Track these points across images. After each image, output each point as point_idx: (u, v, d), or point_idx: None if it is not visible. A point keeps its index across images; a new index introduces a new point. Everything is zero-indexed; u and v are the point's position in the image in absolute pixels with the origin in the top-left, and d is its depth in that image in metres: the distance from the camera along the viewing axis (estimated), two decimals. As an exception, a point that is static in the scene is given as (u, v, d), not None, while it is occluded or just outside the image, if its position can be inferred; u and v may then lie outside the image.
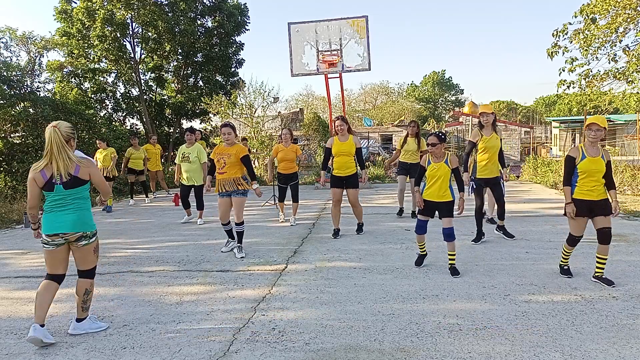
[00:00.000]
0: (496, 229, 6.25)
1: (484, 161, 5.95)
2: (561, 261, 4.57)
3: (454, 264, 4.71)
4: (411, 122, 8.11)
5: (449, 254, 4.73)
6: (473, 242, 5.99)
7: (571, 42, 10.91)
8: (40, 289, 3.42)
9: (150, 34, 19.76)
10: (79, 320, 3.57)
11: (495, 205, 6.34)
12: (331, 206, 6.62)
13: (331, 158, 6.55)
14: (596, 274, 4.29)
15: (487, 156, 5.93)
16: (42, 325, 3.33)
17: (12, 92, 12.79)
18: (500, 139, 6.06)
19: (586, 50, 10.79)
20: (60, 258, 3.46)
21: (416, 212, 5.26)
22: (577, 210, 4.21)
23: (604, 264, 4.24)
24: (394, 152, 8.43)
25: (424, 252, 5.04)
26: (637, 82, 10.93)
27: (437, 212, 4.80)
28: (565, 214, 4.33)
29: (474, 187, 6.11)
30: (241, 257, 5.61)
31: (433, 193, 4.72)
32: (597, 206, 4.18)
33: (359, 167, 6.60)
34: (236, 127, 6.11)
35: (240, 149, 5.64)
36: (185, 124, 23.38)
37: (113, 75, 20.78)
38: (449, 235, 4.64)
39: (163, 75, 21.81)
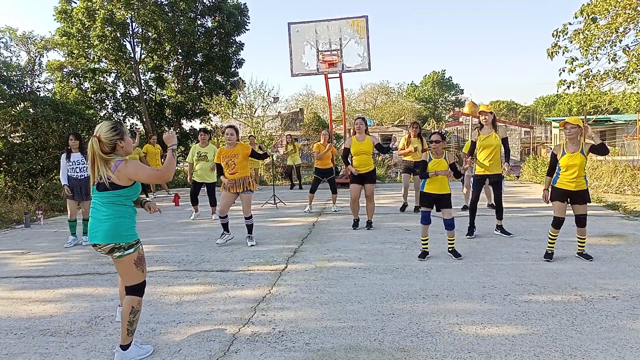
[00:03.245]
0: (495, 230, 6.37)
1: (482, 159, 6.14)
2: (548, 247, 5.06)
3: (454, 247, 5.30)
4: (413, 124, 8.50)
5: (449, 240, 5.30)
6: (467, 237, 6.23)
7: (571, 42, 10.90)
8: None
9: (150, 34, 19.74)
10: (124, 347, 3.03)
11: (492, 195, 6.57)
12: (350, 202, 7.13)
13: (350, 156, 7.04)
14: (578, 251, 5.05)
15: (485, 154, 6.11)
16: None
17: (12, 92, 12.76)
18: (505, 138, 6.16)
19: (586, 50, 10.78)
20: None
21: (419, 207, 5.58)
22: (558, 196, 4.89)
23: (584, 242, 5.02)
24: (396, 152, 8.62)
25: (427, 249, 5.34)
26: (637, 82, 10.92)
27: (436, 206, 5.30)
28: (550, 199, 5.00)
29: (472, 181, 6.34)
30: (251, 245, 6.15)
31: (434, 186, 5.21)
32: (575, 195, 4.83)
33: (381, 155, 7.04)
34: (239, 130, 6.50)
35: (243, 148, 6.10)
36: (185, 124, 23.37)
37: (113, 75, 20.76)
38: (450, 225, 5.21)
39: (163, 75, 21.79)
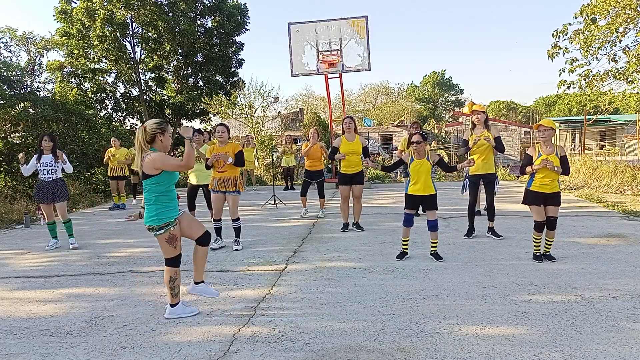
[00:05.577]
0: (487, 232, 6.28)
1: (474, 159, 5.99)
2: (534, 249, 5.11)
3: (436, 250, 5.27)
4: (414, 124, 8.16)
5: (432, 242, 5.26)
6: (465, 237, 6.21)
7: (571, 42, 10.92)
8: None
9: (150, 34, 19.74)
10: (173, 305, 3.79)
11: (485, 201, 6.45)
12: (340, 202, 7.04)
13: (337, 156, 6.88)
14: (544, 252, 5.08)
15: (477, 154, 6.05)
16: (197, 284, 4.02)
17: (12, 92, 12.77)
18: (497, 137, 6.03)
19: (586, 50, 10.79)
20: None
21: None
22: (534, 200, 4.97)
23: (551, 244, 5.08)
24: (396, 152, 8.45)
25: (406, 250, 5.37)
26: (637, 82, 10.94)
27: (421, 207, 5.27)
28: (524, 202, 5.08)
29: (468, 183, 6.29)
30: (236, 250, 5.96)
31: (418, 188, 5.14)
32: (549, 197, 4.92)
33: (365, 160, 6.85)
34: (231, 128, 6.35)
35: (234, 147, 5.94)
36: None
37: (113, 75, 20.76)
38: (433, 226, 5.16)
39: (163, 75, 21.79)
